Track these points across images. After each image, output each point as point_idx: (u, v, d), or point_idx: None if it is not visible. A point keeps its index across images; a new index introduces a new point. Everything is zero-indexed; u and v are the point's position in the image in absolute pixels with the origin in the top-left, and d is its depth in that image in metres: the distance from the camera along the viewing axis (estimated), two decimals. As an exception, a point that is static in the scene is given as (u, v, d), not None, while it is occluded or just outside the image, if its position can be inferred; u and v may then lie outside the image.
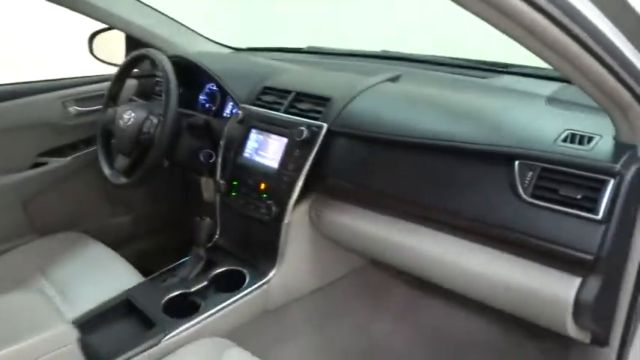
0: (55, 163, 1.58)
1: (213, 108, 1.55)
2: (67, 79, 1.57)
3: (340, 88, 1.16)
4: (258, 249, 1.21)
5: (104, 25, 1.63)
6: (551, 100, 1.00)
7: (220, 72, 1.33)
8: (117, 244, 1.70)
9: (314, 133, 1.09)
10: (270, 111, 1.22)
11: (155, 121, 1.28)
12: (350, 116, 1.09)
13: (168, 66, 1.26)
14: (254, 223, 1.19)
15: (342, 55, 1.66)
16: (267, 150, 1.19)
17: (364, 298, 1.36)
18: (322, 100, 1.14)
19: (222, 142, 1.29)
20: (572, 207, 0.77)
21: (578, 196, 0.76)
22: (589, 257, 0.75)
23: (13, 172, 1.51)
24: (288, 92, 1.23)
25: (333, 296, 1.31)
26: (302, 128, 1.09)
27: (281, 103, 1.22)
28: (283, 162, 1.13)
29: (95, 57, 1.72)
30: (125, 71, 1.42)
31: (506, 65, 1.28)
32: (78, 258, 1.39)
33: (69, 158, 1.60)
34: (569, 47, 0.59)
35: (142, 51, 1.36)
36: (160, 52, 1.35)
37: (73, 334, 0.87)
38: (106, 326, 1.07)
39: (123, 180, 1.33)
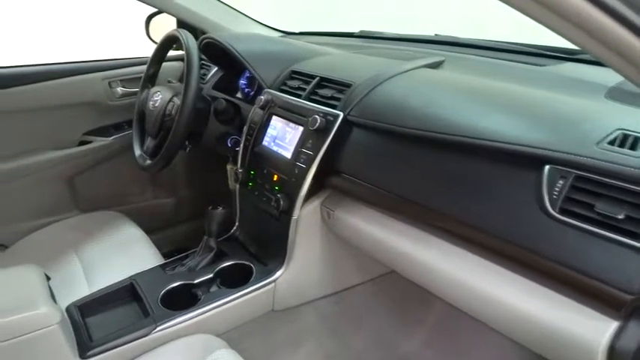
0: (100, 142, 1.62)
1: (252, 93, 1.49)
2: (114, 59, 1.59)
3: (365, 73, 1.03)
4: (268, 245, 1.13)
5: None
6: (614, 92, 0.81)
7: (248, 54, 1.25)
8: (156, 226, 1.73)
9: (329, 122, 0.98)
10: (292, 97, 1.12)
11: (178, 103, 1.24)
12: (371, 105, 0.97)
13: (192, 46, 1.20)
14: (266, 216, 1.11)
15: (393, 39, 1.52)
16: (284, 139, 1.10)
17: (384, 307, 1.23)
18: (343, 87, 1.03)
19: (245, 128, 1.22)
20: (610, 229, 0.60)
21: (620, 216, 0.59)
22: (629, 297, 0.58)
23: (60, 149, 1.56)
24: (313, 77, 1.12)
25: (350, 303, 1.20)
26: (316, 117, 0.99)
27: (304, 89, 1.12)
28: (296, 153, 1.03)
29: (151, 39, 1.73)
30: (160, 52, 1.40)
31: (572, 52, 1.08)
32: (110, 238, 1.40)
33: (112, 138, 1.63)
34: None
35: (172, 31, 1.32)
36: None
37: (56, 316, 0.85)
38: (105, 310, 1.05)
39: (148, 162, 1.31)
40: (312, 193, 1.02)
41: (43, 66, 1.47)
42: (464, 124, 0.79)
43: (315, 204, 1.05)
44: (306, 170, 0.99)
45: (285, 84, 1.19)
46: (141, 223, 1.50)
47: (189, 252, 1.19)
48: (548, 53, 1.11)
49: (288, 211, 1.03)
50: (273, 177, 1.09)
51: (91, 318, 1.03)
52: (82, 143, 1.60)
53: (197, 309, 1.00)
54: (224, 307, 1.02)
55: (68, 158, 1.57)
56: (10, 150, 1.48)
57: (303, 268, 1.09)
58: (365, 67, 1.11)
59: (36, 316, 0.83)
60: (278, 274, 1.08)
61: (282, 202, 1.03)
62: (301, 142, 1.03)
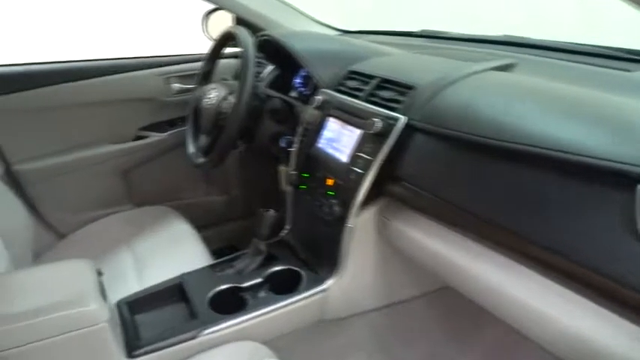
0: (154, 137, 1.63)
1: (307, 92, 1.45)
2: (170, 56, 1.60)
3: (430, 75, 0.97)
4: (320, 252, 1.08)
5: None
6: None
7: (305, 52, 1.22)
8: (206, 223, 1.73)
9: (389, 126, 0.92)
10: (350, 98, 1.07)
11: (232, 101, 1.22)
12: (436, 109, 0.90)
13: (248, 43, 1.18)
14: (318, 222, 1.06)
15: (458, 39, 1.44)
16: (340, 142, 1.05)
17: (438, 324, 1.16)
18: (405, 89, 0.97)
19: (299, 129, 1.18)
20: None
21: None
22: None
23: (117, 143, 1.58)
24: (372, 78, 1.07)
25: (402, 317, 1.13)
26: (375, 119, 0.93)
27: (363, 90, 1.07)
28: (353, 157, 0.98)
29: (208, 36, 1.73)
30: (216, 49, 1.39)
31: (665, 56, 0.97)
32: (162, 233, 1.41)
33: (166, 134, 1.64)
34: None
35: (229, 28, 1.30)
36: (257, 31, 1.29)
37: (105, 314, 0.84)
38: (154, 309, 1.04)
39: (200, 160, 1.30)
40: (368, 200, 0.97)
41: (103, 61, 1.50)
42: (542, 134, 0.72)
43: (371, 212, 0.99)
44: (364, 176, 0.94)
45: (342, 84, 1.14)
46: (192, 219, 1.50)
47: (239, 253, 1.17)
48: (636, 57, 1.00)
49: (343, 218, 0.98)
50: (327, 181, 1.04)
51: (140, 315, 1.02)
52: (138, 138, 1.62)
53: (245, 314, 0.97)
54: (272, 314, 0.99)
55: (124, 152, 1.59)
56: (70, 143, 1.51)
57: (355, 278, 1.04)
58: (429, 68, 1.04)
59: (85, 312, 0.82)
60: (329, 283, 1.03)
61: (336, 209, 0.98)
62: (359, 146, 0.98)
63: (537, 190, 0.70)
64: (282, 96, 1.33)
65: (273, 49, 1.37)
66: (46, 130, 1.47)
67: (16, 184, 1.44)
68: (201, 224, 1.62)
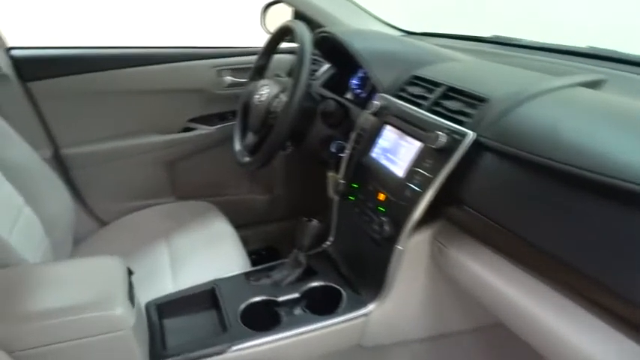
0: (203, 130, 1.59)
1: (363, 95, 1.36)
2: (224, 47, 1.55)
3: (505, 87, 0.86)
4: (364, 271, 0.99)
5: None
6: None
7: (365, 52, 1.12)
8: (247, 222, 1.68)
9: (454, 141, 0.82)
10: (411, 106, 0.98)
11: (284, 99, 1.15)
12: (510, 127, 0.79)
13: (306, 39, 1.10)
14: (365, 238, 0.97)
15: (535, 48, 1.31)
16: (397, 153, 0.95)
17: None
18: (476, 101, 0.86)
19: (353, 135, 1.10)
20: None
21: None
22: None
23: (164, 134, 1.55)
24: (438, 85, 0.97)
25: (449, 350, 1.03)
26: (439, 133, 0.83)
27: (427, 97, 0.97)
28: (410, 172, 0.89)
29: (266, 29, 1.67)
30: (272, 44, 1.32)
31: None
32: (201, 231, 1.36)
33: (214, 128, 1.59)
34: None
35: (287, 22, 1.23)
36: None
37: (130, 319, 0.79)
38: (183, 314, 0.99)
39: (246, 159, 1.24)
40: (422, 221, 0.87)
41: (157, 49, 1.47)
42: (629, 164, 0.60)
43: (425, 235, 0.89)
44: (421, 195, 0.84)
45: (404, 90, 1.04)
46: (233, 216, 1.45)
47: (276, 263, 1.10)
48: None
49: (393, 239, 0.89)
50: (378, 195, 0.95)
51: (168, 320, 0.97)
52: (186, 130, 1.58)
53: (278, 333, 0.90)
54: (307, 335, 0.91)
55: (171, 144, 1.56)
56: (119, 130, 1.49)
57: (401, 304, 0.94)
58: (503, 79, 0.93)
59: (110, 317, 0.77)
60: (371, 307, 0.94)
61: (386, 227, 0.89)
62: (418, 161, 0.88)
63: (635, 237, 0.58)
64: (337, 97, 1.24)
65: (330, 47, 1.29)
66: (95, 116, 1.45)
67: (62, 168, 1.43)
68: (242, 223, 1.56)
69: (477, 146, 0.81)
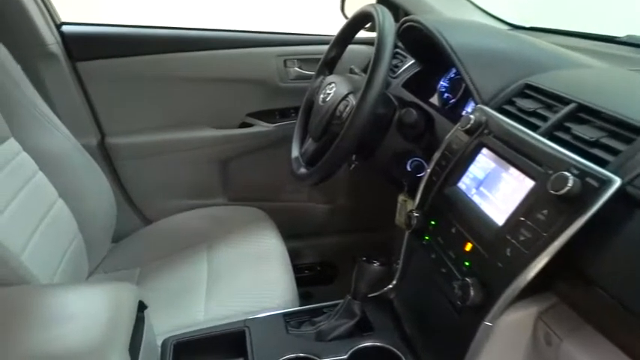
0: (262, 127, 1.41)
1: (452, 101, 1.11)
2: (292, 34, 1.35)
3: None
4: (435, 338, 0.76)
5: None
6: None
7: (462, 49, 0.87)
8: (303, 232, 1.49)
9: (588, 188, 0.56)
10: (522, 127, 0.72)
11: (353, 102, 0.93)
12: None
13: (388, 27, 0.87)
14: (442, 298, 0.74)
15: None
16: (495, 190, 0.71)
17: None
18: (626, 131, 0.59)
19: (436, 154, 0.86)
20: None
21: None
22: None
23: (220, 128, 1.39)
24: (564, 101, 0.70)
25: None
26: (567, 174, 0.57)
27: (545, 117, 0.71)
28: (514, 221, 0.64)
29: (345, 16, 1.45)
30: (347, 31, 1.10)
31: None
32: (248, 245, 1.20)
33: (275, 125, 1.40)
34: None
35: (367, 7, 1.00)
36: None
37: (126, 377, 0.62)
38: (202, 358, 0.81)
39: (301, 171, 1.03)
40: (524, 292, 0.62)
41: (217, 32, 1.29)
42: None
43: (527, 314, 0.64)
44: (529, 259, 0.59)
45: (512, 103, 0.78)
46: (287, 225, 1.27)
47: (326, 305, 0.89)
48: None
49: (480, 310, 0.64)
50: (464, 244, 0.71)
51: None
52: (243, 125, 1.41)
53: (313, 408, 0.70)
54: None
55: (227, 140, 1.39)
56: (170, 120, 1.35)
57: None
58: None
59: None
60: (440, 390, 0.71)
61: (472, 292, 0.65)
62: (527, 207, 0.63)
63: None
64: (420, 102, 1.00)
65: (417, 40, 1.05)
66: (146, 104, 1.32)
67: (107, 159, 1.32)
68: (296, 233, 1.38)
69: (622, 199, 0.54)
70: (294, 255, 1.19)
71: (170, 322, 0.93)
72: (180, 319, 0.95)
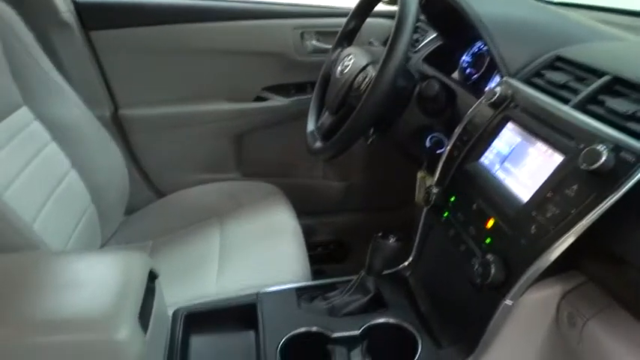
0: (277, 101, 1.38)
1: (475, 76, 1.07)
2: (311, 6, 1.31)
3: None
4: (452, 317, 0.74)
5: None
6: None
7: (489, 19, 0.83)
8: (316, 210, 1.47)
9: (623, 162, 0.53)
10: (552, 100, 0.68)
11: (372, 74, 0.90)
12: None
13: (410, -2, 0.83)
14: (460, 275, 0.71)
15: None
16: (520, 165, 0.68)
17: None
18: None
19: (458, 129, 0.82)
20: None
21: None
22: None
23: (235, 102, 1.37)
24: (597, 74, 0.66)
25: None
26: (600, 148, 0.54)
27: (576, 90, 0.67)
28: (541, 198, 0.61)
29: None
30: (365, 3, 1.06)
31: None
32: (262, 218, 1.17)
33: (290, 100, 1.37)
34: None
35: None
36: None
37: (136, 346, 0.60)
38: (214, 331, 0.80)
39: (317, 145, 1.01)
40: (548, 271, 0.59)
41: (232, 2, 1.26)
42: None
43: (550, 293, 0.62)
44: (555, 236, 0.56)
45: (540, 75, 0.75)
46: (300, 202, 1.26)
47: (339, 281, 0.87)
48: None
49: (501, 288, 0.62)
50: (485, 221, 0.68)
51: (196, 336, 0.79)
52: (259, 99, 1.38)
53: (325, 384, 0.68)
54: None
55: (241, 114, 1.37)
56: (184, 93, 1.32)
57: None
58: None
59: (111, 342, 0.59)
60: (455, 369, 0.69)
61: (492, 269, 0.62)
62: (555, 183, 0.60)
63: None
64: (442, 77, 0.97)
65: (441, 11, 1.01)
66: (161, 76, 1.29)
67: (120, 131, 1.30)
68: (309, 210, 1.36)
69: (660, 175, 0.51)
70: (307, 232, 1.17)
71: (181, 294, 0.92)
72: (192, 292, 0.94)
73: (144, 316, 0.65)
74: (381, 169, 1.44)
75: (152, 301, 0.70)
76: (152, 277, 0.72)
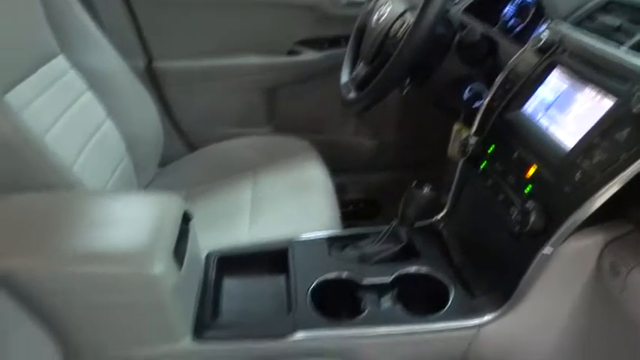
0: (310, 55, 1.35)
1: (518, 28, 1.02)
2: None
3: None
4: (486, 266, 0.73)
5: None
6: None
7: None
8: (347, 167, 1.45)
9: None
10: (605, 43, 0.64)
11: (410, 21, 0.86)
12: None
13: None
14: (496, 224, 0.70)
15: None
16: (565, 111, 0.65)
17: None
18: None
19: (499, 78, 0.79)
20: None
21: None
22: None
23: (267, 55, 1.35)
24: (657, 13, 0.62)
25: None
26: (655, 89, 0.51)
27: (631, 33, 0.63)
28: (587, 144, 0.58)
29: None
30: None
31: None
32: (293, 172, 1.17)
33: (324, 53, 1.35)
34: None
35: None
36: None
37: (170, 281, 0.62)
38: (245, 273, 0.81)
39: (351, 96, 0.99)
40: (590, 220, 0.57)
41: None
42: None
43: (591, 242, 0.60)
44: (601, 182, 0.54)
45: (592, 18, 0.71)
46: (332, 159, 1.24)
47: (371, 231, 0.86)
48: None
49: (540, 237, 0.60)
50: (526, 169, 0.66)
51: (228, 278, 0.80)
52: (292, 53, 1.36)
53: (356, 327, 0.68)
54: (395, 338, 0.69)
55: (273, 67, 1.35)
56: (218, 46, 1.31)
57: (531, 325, 0.67)
58: None
59: (146, 276, 0.61)
60: (488, 317, 0.68)
61: (532, 217, 0.60)
62: (605, 128, 0.57)
63: None
64: (483, 27, 0.92)
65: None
66: (195, 28, 1.28)
67: (154, 83, 1.31)
68: (341, 168, 1.34)
69: None
70: (338, 190, 1.16)
71: (214, 241, 0.93)
72: (225, 240, 0.95)
73: (178, 254, 0.66)
74: (414, 126, 1.41)
75: (186, 241, 0.71)
76: (186, 219, 0.73)
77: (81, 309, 0.62)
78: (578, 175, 0.57)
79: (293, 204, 1.05)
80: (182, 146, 1.40)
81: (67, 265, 0.60)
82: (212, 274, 0.78)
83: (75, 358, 0.61)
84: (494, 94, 0.78)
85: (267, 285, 0.79)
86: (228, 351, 0.68)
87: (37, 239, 0.64)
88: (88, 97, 1.05)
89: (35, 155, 0.78)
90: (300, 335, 0.67)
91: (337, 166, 1.27)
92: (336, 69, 1.25)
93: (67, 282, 0.60)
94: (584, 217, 0.56)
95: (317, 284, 0.74)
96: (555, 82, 0.69)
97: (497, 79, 0.79)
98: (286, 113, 1.44)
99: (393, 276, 0.75)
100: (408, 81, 0.99)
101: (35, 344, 0.58)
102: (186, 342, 0.67)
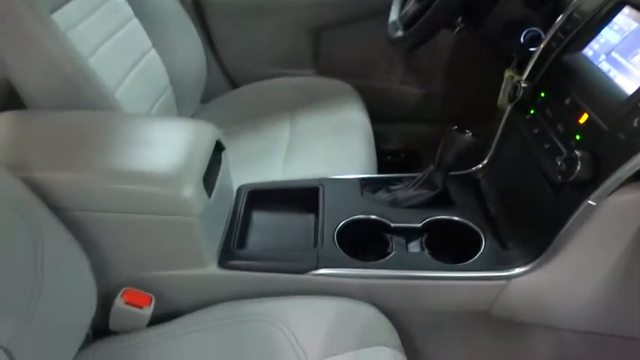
0: (359, -6, 1.29)
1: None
2: None
3: None
4: (523, 217, 0.69)
5: None
6: None
7: None
8: (390, 115, 1.41)
9: None
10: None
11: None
12: None
13: None
14: (538, 174, 0.66)
15: None
16: (631, 54, 0.58)
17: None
18: None
19: (561, 18, 0.72)
20: None
21: None
22: None
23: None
24: None
25: (617, 354, 0.71)
26: None
27: None
28: (652, 88, 0.52)
29: None
30: None
31: None
32: (332, 116, 1.15)
33: (373, -7, 1.28)
34: None
35: None
36: None
37: (198, 205, 0.63)
38: (273, 208, 0.81)
39: (398, 34, 0.94)
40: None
41: None
42: None
43: (636, 197, 0.55)
44: (661, 130, 0.49)
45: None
46: (375, 106, 1.21)
47: (406, 176, 0.84)
48: None
49: (584, 187, 0.56)
50: (578, 116, 0.61)
51: (257, 212, 0.81)
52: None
53: (380, 269, 0.67)
54: (421, 282, 0.67)
55: (318, 4, 1.30)
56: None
57: (566, 280, 0.64)
58: None
59: (175, 198, 0.61)
60: (520, 270, 0.65)
61: (579, 166, 0.56)
62: (672, 72, 0.51)
63: None
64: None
65: None
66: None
67: (200, 15, 1.29)
68: (383, 116, 1.30)
69: None
70: (378, 139, 1.13)
71: (247, 177, 0.94)
72: (258, 176, 0.95)
73: (208, 181, 0.66)
74: (464, 77, 1.33)
75: (217, 170, 0.71)
76: (219, 148, 0.73)
77: (111, 225, 0.64)
78: (636, 122, 0.52)
79: (329, 146, 1.03)
80: (224, 83, 1.40)
81: (99, 181, 0.62)
82: (242, 207, 0.78)
83: (101, 275, 0.63)
84: (553, 36, 0.72)
85: (296, 221, 0.79)
86: (252, 281, 0.69)
87: (74, 154, 0.65)
88: (134, 24, 1.05)
89: (80, 76, 0.79)
90: (322, 271, 0.67)
91: (380, 114, 1.24)
92: (385, 11, 1.19)
93: (99, 197, 0.62)
94: (636, 169, 0.51)
95: (345, 224, 0.73)
96: (623, 21, 0.62)
97: (558, 20, 0.72)
98: (331, 57, 1.39)
99: (424, 222, 0.72)
100: (460, 20, 0.93)
101: (68, 255, 0.60)
102: (212, 268, 0.69)
